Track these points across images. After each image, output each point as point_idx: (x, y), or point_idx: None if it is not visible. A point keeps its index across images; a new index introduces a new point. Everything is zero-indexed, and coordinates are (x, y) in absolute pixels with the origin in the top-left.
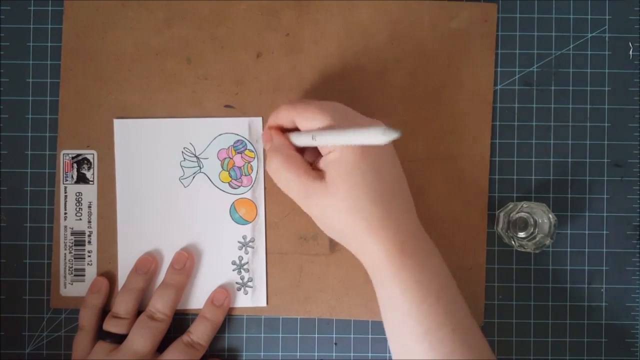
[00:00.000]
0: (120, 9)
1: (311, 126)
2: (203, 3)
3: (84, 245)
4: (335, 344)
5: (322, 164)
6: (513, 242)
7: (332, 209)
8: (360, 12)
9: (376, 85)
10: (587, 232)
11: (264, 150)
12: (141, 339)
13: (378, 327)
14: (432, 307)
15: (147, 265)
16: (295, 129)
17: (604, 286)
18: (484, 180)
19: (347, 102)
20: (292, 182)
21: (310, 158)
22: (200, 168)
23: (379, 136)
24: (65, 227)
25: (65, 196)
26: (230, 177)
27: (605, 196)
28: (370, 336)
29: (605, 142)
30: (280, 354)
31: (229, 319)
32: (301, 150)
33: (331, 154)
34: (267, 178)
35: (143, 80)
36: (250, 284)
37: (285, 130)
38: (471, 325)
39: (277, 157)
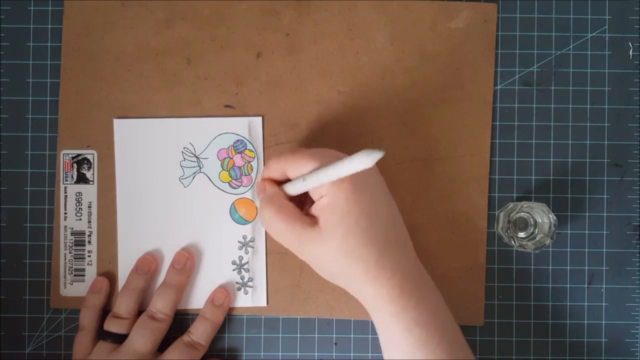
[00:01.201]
0: (120, 9)
1: (302, 173)
2: (203, 3)
3: (84, 245)
4: (335, 344)
5: (314, 210)
6: (513, 242)
7: (327, 255)
8: (360, 12)
9: (376, 85)
10: (587, 232)
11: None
12: (142, 339)
13: None
14: (433, 352)
15: (148, 265)
16: (287, 181)
17: (604, 286)
18: (484, 180)
19: (347, 101)
20: (285, 231)
21: (304, 209)
22: (200, 168)
23: (363, 160)
24: (65, 227)
25: (65, 196)
26: (230, 177)
27: (605, 196)
28: (370, 336)
29: (605, 142)
30: (280, 354)
31: (229, 319)
32: (295, 203)
33: (322, 200)
34: None
35: (143, 80)
36: (250, 283)
37: (278, 183)
38: None
39: (269, 208)
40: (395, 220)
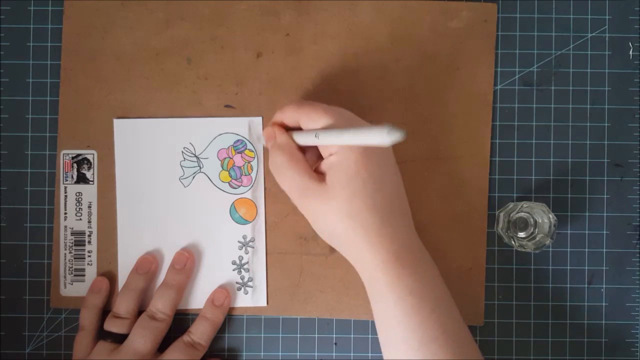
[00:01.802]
0: (120, 9)
1: (315, 126)
2: (203, 3)
3: (84, 245)
4: (335, 344)
5: (323, 166)
6: (513, 242)
7: (330, 213)
8: (360, 12)
9: (376, 85)
10: (587, 232)
11: (264, 148)
12: (142, 339)
13: None
14: (426, 319)
15: (148, 265)
16: (298, 129)
17: (604, 286)
18: (484, 180)
19: (347, 102)
20: (293, 180)
21: (311, 161)
22: (200, 168)
23: (383, 136)
24: (65, 227)
25: (65, 196)
26: (230, 177)
27: (605, 196)
28: (370, 336)
29: (605, 142)
30: (280, 354)
31: (229, 319)
32: (303, 152)
33: (333, 157)
34: (267, 178)
35: (143, 80)
36: (250, 283)
37: (288, 129)
38: (465, 338)
39: (281, 155)
40: (399, 191)
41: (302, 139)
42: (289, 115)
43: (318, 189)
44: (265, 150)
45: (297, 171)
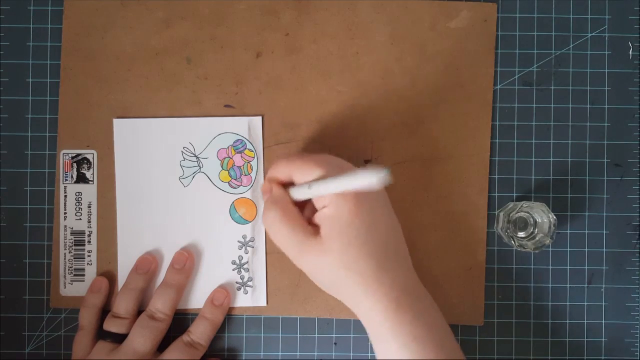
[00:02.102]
0: (120, 9)
1: (308, 179)
2: (203, 3)
3: (84, 245)
4: (335, 344)
5: (317, 219)
6: (513, 242)
7: (326, 266)
8: (360, 12)
9: (376, 85)
10: (587, 232)
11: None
12: (142, 339)
13: None
14: None
15: (148, 265)
16: (292, 184)
17: (604, 286)
18: (484, 180)
19: (346, 102)
20: (287, 236)
21: (308, 216)
22: (200, 168)
23: (371, 179)
24: (65, 227)
25: (65, 196)
26: (230, 176)
27: (605, 196)
28: None
29: (605, 142)
30: (280, 354)
31: (229, 319)
32: (300, 208)
33: (325, 210)
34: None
35: (143, 80)
36: (250, 283)
37: (284, 185)
38: None
39: (275, 210)
40: (396, 236)
41: (297, 193)
42: (281, 171)
43: (313, 243)
44: (267, 158)
45: (291, 227)
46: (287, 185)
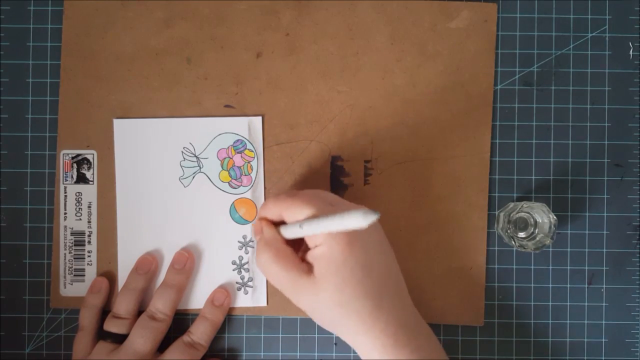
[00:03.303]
0: (120, 9)
1: (298, 218)
2: (203, 3)
3: (84, 245)
4: (335, 344)
5: (310, 257)
6: (513, 242)
7: (322, 304)
8: (360, 12)
9: (376, 85)
10: (587, 232)
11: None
12: (142, 339)
13: None
14: None
15: (148, 265)
16: (284, 222)
17: (604, 286)
18: (484, 180)
19: (346, 102)
20: (280, 276)
21: (303, 252)
22: (200, 168)
23: (359, 220)
24: (65, 227)
25: (65, 196)
26: (230, 176)
27: (605, 196)
28: None
29: (606, 142)
30: (280, 354)
31: (229, 319)
32: (292, 245)
33: (318, 249)
34: (267, 178)
35: (143, 80)
36: (250, 283)
37: (276, 224)
38: None
39: (267, 251)
40: (390, 270)
41: (288, 232)
42: (270, 211)
43: (307, 282)
44: (266, 157)
45: (284, 267)
46: (279, 223)
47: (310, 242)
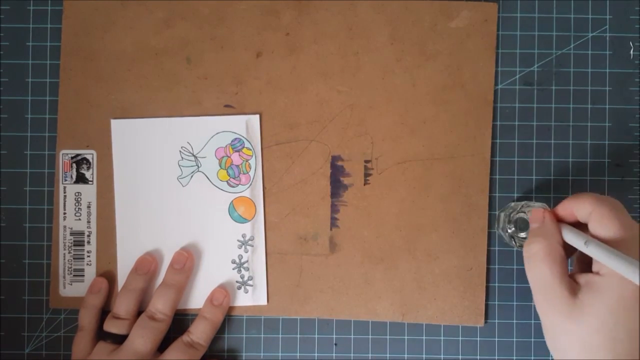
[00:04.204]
0: (119, 9)
1: (601, 233)
2: (203, 3)
3: (84, 245)
4: (335, 344)
5: (582, 279)
6: (513, 242)
7: (571, 335)
8: (360, 12)
9: (376, 85)
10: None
11: (261, 148)
12: (141, 339)
13: (378, 327)
14: None
15: (147, 265)
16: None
17: None
18: (484, 180)
19: (346, 102)
20: (543, 278)
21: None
22: (198, 167)
23: None
24: (65, 227)
25: (65, 196)
26: (229, 175)
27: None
28: (370, 336)
29: (606, 142)
30: (280, 354)
31: (228, 320)
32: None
33: (599, 277)
34: (265, 176)
35: (143, 80)
36: (250, 282)
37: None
38: None
39: (539, 244)
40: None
41: (570, 238)
42: (582, 206)
43: (567, 301)
44: (265, 157)
45: (550, 269)
46: (561, 221)
47: (594, 265)
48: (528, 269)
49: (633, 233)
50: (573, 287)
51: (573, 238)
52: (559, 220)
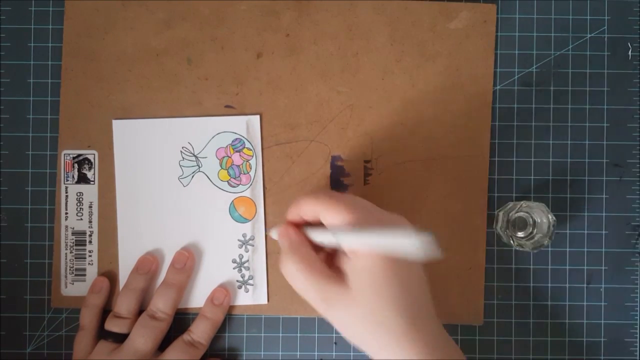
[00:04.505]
0: (120, 10)
1: (334, 222)
2: (203, 3)
3: (85, 245)
4: (335, 343)
5: (345, 266)
6: (512, 242)
7: (356, 319)
8: (360, 12)
9: (376, 85)
10: (586, 232)
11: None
12: (142, 339)
13: None
14: None
15: (148, 265)
16: (308, 224)
17: (602, 286)
18: (484, 180)
19: (346, 102)
20: (311, 288)
21: (326, 254)
22: (199, 167)
23: (412, 249)
24: (66, 227)
25: (66, 196)
26: (229, 175)
27: (604, 196)
28: None
29: (605, 142)
30: (280, 353)
31: (229, 319)
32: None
33: (358, 261)
34: (266, 177)
35: (143, 80)
36: (250, 281)
37: (300, 225)
38: None
39: (294, 261)
40: (425, 292)
41: (318, 237)
42: (305, 209)
43: (340, 293)
44: (265, 157)
45: (314, 277)
46: (301, 224)
47: (346, 250)
48: (294, 285)
49: (358, 209)
50: (338, 276)
51: (321, 237)
52: (305, 224)
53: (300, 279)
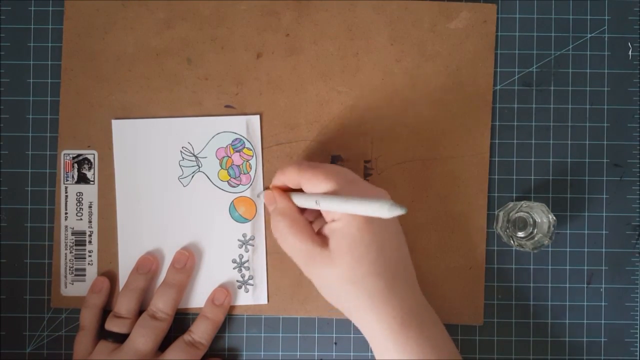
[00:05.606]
0: (120, 9)
1: (316, 190)
2: (203, 3)
3: (85, 245)
4: (335, 343)
5: (326, 230)
6: (512, 242)
7: (334, 278)
8: (360, 12)
9: (376, 85)
10: (586, 232)
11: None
12: (143, 339)
13: None
14: None
15: (148, 265)
16: (298, 190)
17: (603, 286)
18: (484, 180)
19: (346, 102)
20: (297, 246)
21: (310, 217)
22: (199, 167)
23: (384, 211)
24: (66, 227)
25: (66, 196)
26: (229, 175)
27: (604, 196)
28: None
29: (605, 142)
30: (280, 353)
31: (229, 319)
32: (302, 210)
33: (335, 223)
34: (265, 176)
35: (143, 80)
36: (251, 281)
37: (287, 190)
38: None
39: (282, 221)
40: (403, 254)
41: (302, 203)
42: (289, 178)
43: (321, 254)
44: (265, 157)
45: (299, 237)
46: (289, 190)
47: (326, 215)
48: (282, 245)
49: (338, 177)
50: (322, 240)
51: (304, 202)
52: (287, 191)
53: (289, 239)
